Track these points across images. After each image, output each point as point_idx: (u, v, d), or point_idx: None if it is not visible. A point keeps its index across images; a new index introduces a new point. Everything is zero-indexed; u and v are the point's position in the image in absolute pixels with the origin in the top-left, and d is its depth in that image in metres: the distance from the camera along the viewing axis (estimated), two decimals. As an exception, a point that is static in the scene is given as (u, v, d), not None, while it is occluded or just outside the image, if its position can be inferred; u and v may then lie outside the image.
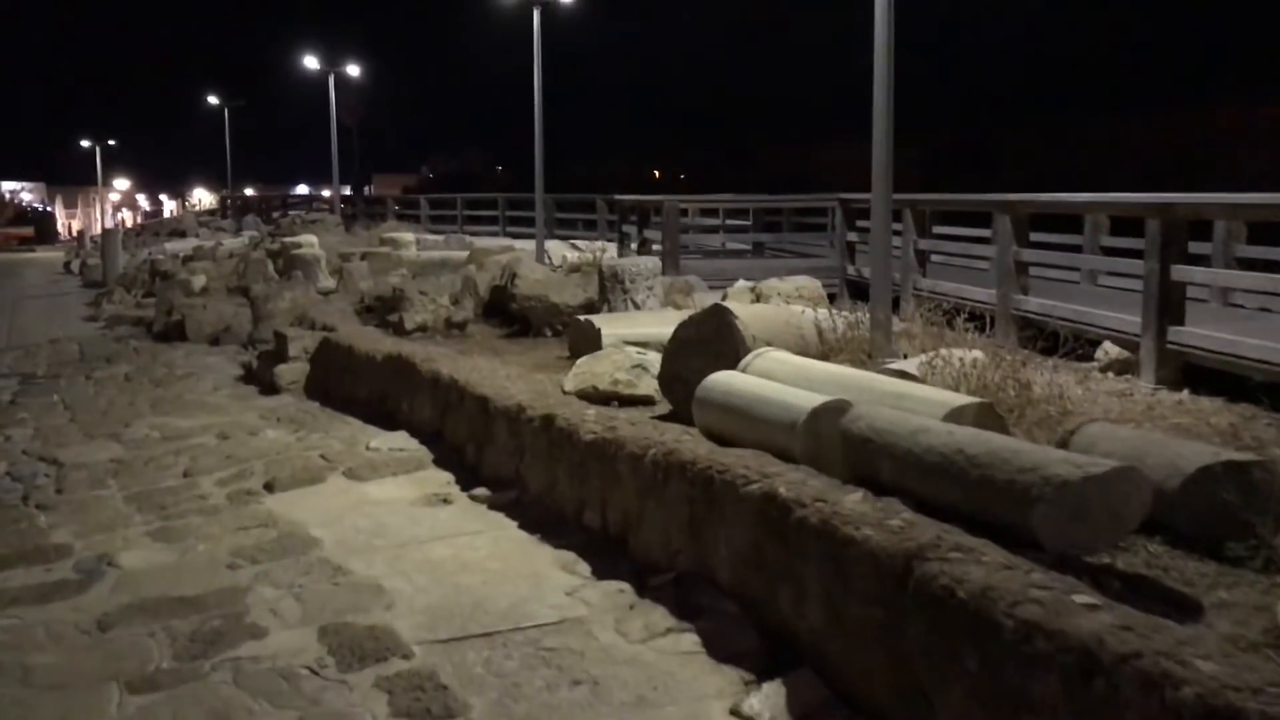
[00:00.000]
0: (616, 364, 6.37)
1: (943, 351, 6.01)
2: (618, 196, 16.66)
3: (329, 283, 15.09)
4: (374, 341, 8.83)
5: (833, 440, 4.32)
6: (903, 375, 5.51)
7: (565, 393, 6.37)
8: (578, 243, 19.44)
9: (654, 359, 6.44)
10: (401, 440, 7.08)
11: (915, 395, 4.47)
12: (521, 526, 5.37)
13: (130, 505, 6.23)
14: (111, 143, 55.08)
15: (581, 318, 8.19)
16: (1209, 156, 33.54)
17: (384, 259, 15.27)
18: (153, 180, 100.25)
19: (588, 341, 7.80)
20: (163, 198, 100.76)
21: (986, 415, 4.22)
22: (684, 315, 8.17)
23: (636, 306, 8.81)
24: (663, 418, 5.91)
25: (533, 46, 18.50)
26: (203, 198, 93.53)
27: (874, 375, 4.91)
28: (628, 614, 4.19)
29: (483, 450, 6.27)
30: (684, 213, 14.32)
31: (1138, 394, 6.25)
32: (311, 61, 30.21)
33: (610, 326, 7.59)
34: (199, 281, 16.92)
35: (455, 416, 6.77)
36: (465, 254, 15.70)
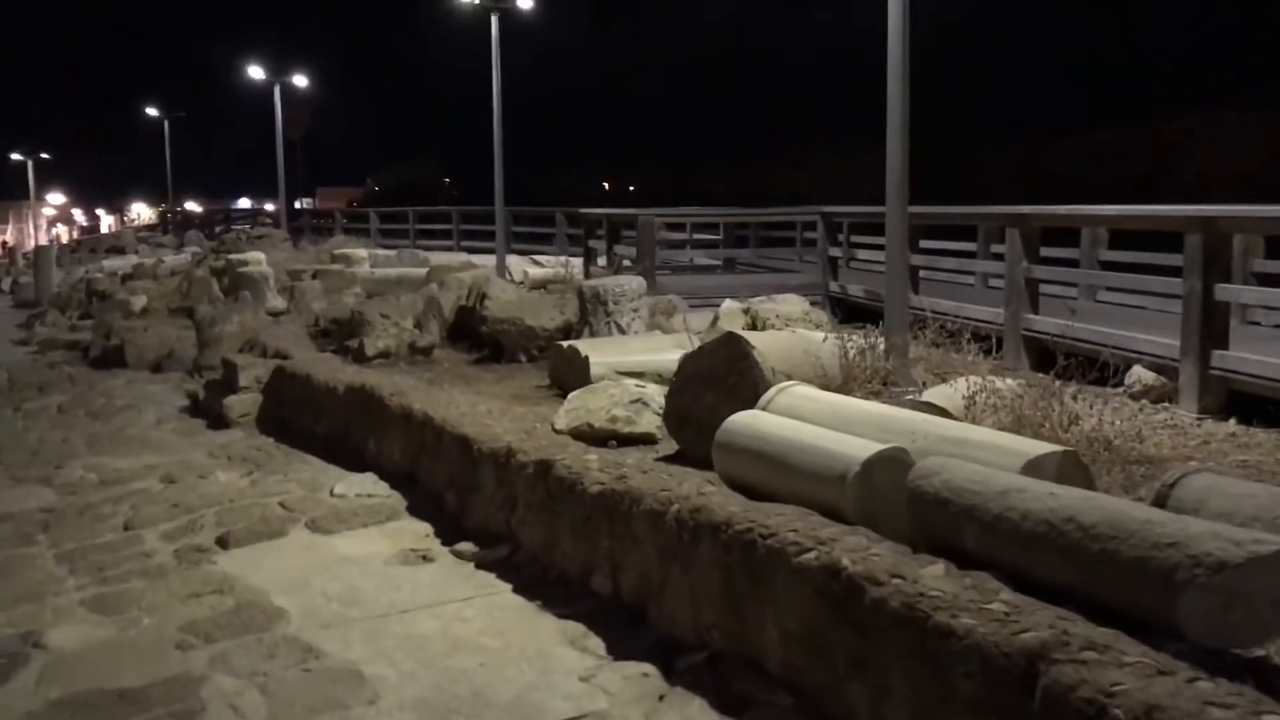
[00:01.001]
0: (614, 398, 5.75)
1: (970, 380, 5.47)
2: (583, 210, 16.03)
3: (278, 303, 14.28)
4: (334, 370, 8.11)
5: (891, 496, 3.73)
6: (934, 409, 4.96)
7: (557, 431, 5.73)
8: (539, 258, 18.78)
9: (654, 392, 5.83)
10: (370, 484, 6.39)
11: (977, 441, 3.89)
12: (517, 590, 4.71)
13: (62, 566, 5.47)
14: (45, 156, 53.24)
15: (564, 344, 7.54)
16: (1177, 167, 33.77)
17: (337, 276, 14.49)
18: (89, 195, 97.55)
19: (573, 371, 7.17)
20: (100, 213, 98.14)
21: (1070, 466, 3.66)
22: (674, 340, 7.57)
23: (621, 330, 8.18)
24: (668, 459, 5.29)
25: (487, 55, 17.89)
26: (142, 213, 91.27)
27: (924, 416, 4.32)
28: (658, 707, 3.56)
29: (466, 498, 5.60)
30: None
31: (1182, 424, 5.75)
32: (256, 71, 29.23)
33: (599, 354, 6.95)
34: (139, 302, 16.00)
35: (432, 458, 6.09)
36: (423, 271, 14.96)
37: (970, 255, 11.60)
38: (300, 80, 30.10)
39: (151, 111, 45.07)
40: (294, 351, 9.36)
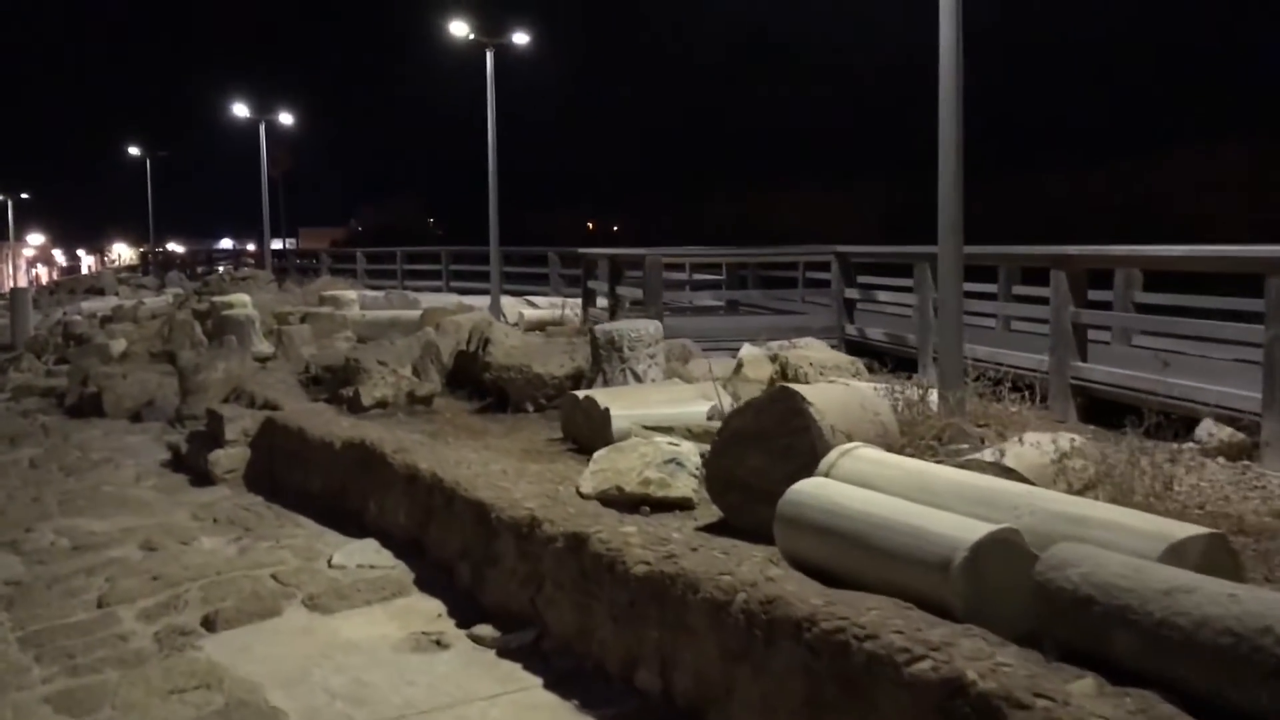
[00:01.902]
0: (645, 458, 5.18)
1: (1037, 437, 4.93)
2: (583, 250, 15.52)
3: (264, 347, 13.67)
4: (329, 424, 7.51)
5: (1003, 586, 3.18)
6: (1010, 473, 4.42)
7: (583, 495, 5.15)
8: (534, 299, 18.27)
9: (689, 451, 5.27)
10: (372, 553, 5.78)
11: (1099, 519, 3.34)
12: (549, 686, 4.11)
13: (27, 652, 4.85)
14: (25, 195, 52.56)
15: (580, 394, 6.98)
16: (1169, 204, 33.60)
17: (326, 320, 13.90)
18: (70, 235, 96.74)
19: (590, 424, 6.60)
20: (80, 253, 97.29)
21: (1217, 551, 3.11)
22: (698, 389, 7.03)
23: (638, 378, 7.62)
24: (711, 529, 4.74)
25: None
26: (123, 253, 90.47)
27: (1022, 487, 3.78)
28: (738, 846, 2.97)
29: (482, 572, 5.01)
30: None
31: (1270, 486, 5.22)
32: (241, 109, 28.72)
33: (619, 406, 6.39)
34: (118, 346, 15.35)
35: (442, 525, 5.50)
36: (416, 313, 14.44)
37: (990, 297, 11.13)
38: (286, 118, 29.66)
39: (134, 151, 44.54)
40: (284, 401, 8.76)
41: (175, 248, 67.24)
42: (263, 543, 6.27)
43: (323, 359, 10.15)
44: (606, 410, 6.34)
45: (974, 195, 7.75)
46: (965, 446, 5.43)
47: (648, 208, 74.97)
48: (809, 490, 3.95)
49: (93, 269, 74.70)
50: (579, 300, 16.60)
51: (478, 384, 9.10)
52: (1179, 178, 38.32)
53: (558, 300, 17.66)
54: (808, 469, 4.43)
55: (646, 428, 5.85)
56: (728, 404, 6.77)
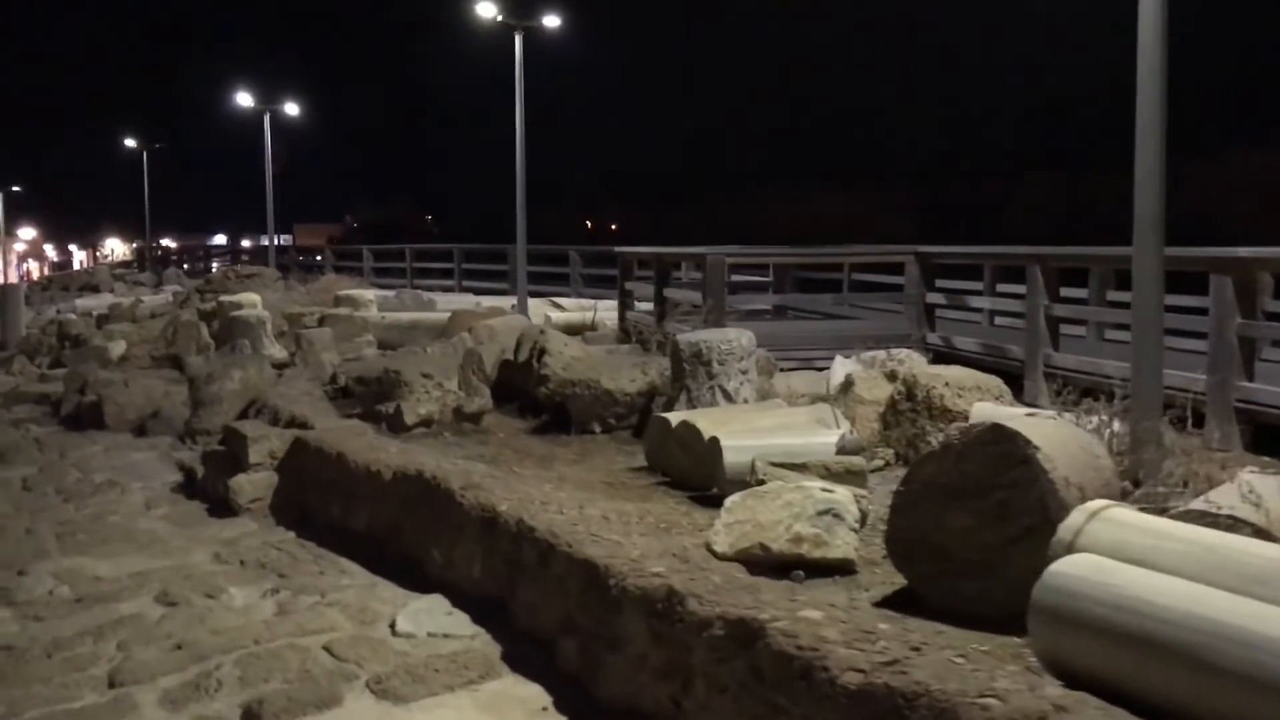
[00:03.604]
0: (792, 507, 4.17)
1: (1258, 481, 3.95)
2: (619, 249, 14.49)
3: (277, 351, 12.62)
4: (373, 448, 6.48)
5: None
6: (1260, 532, 3.44)
7: (717, 555, 4.14)
8: (558, 300, 17.23)
9: (845, 498, 4.25)
10: (443, 616, 4.75)
11: None
12: (722, 829, 3.10)
13: (21, 755, 3.83)
14: (16, 189, 51.30)
15: (669, 416, 5.97)
16: (1218, 207, 32.58)
17: (346, 323, 12.85)
18: (62, 229, 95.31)
19: (690, 455, 5.60)
20: (72, 248, 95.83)
21: None
22: (810, 413, 6.02)
23: (729, 396, 6.61)
24: (891, 604, 3.74)
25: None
26: (115, 248, 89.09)
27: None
28: None
29: (598, 655, 3.98)
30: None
31: None
32: (245, 99, 27.58)
33: (726, 434, 5.38)
34: (117, 348, 14.29)
35: (534, 585, 4.48)
36: (440, 316, 13.40)
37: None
38: (291, 108, 28.48)
39: (130, 143, 43.33)
40: (313, 417, 7.72)
41: (168, 243, 65.96)
42: (305, 597, 5.23)
43: (353, 369, 9.11)
44: (714, 440, 5.32)
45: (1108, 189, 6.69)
46: (1180, 493, 4.45)
47: (647, 207, 73.92)
48: (1083, 573, 2.93)
49: (84, 265, 73.41)
50: (605, 303, 15.60)
51: (530, 399, 8.10)
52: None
53: (587, 302, 16.64)
54: (1036, 534, 3.43)
55: (774, 464, 4.83)
56: (846, 430, 5.77)
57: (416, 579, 5.34)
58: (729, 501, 4.33)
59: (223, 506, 7.07)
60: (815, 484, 4.33)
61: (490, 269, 23.96)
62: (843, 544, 4.13)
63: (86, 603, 5.39)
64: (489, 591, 4.82)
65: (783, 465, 4.86)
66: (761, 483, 4.65)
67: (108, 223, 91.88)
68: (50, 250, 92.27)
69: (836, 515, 4.17)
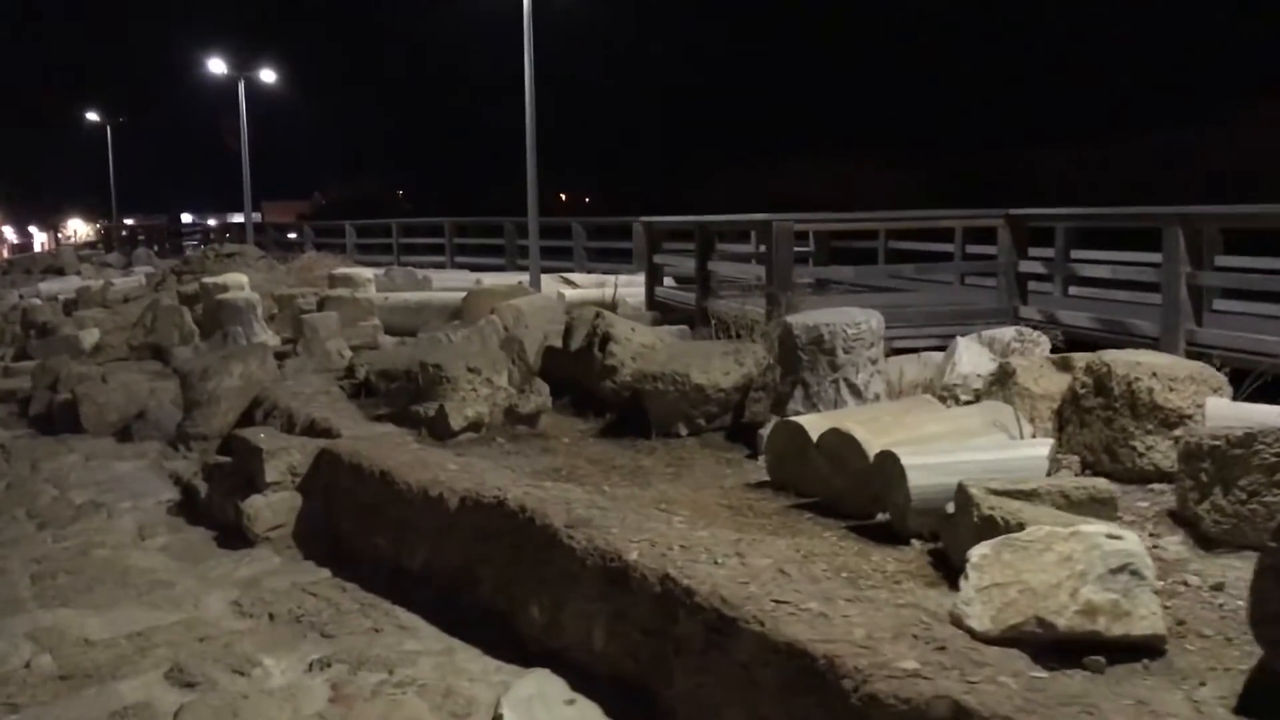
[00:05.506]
0: (1073, 564, 2.99)
1: None
2: (645, 219, 13.22)
3: (269, 338, 11.33)
4: (424, 464, 5.23)
5: None
6: None
7: (974, 633, 2.96)
8: (569, 275, 15.97)
9: (1136, 547, 3.08)
10: (561, 707, 3.54)
11: None
12: None
13: None
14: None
15: (806, 422, 4.76)
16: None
17: (350, 305, 11.53)
18: (20, 210, 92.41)
19: (843, 473, 4.43)
20: (32, 229, 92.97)
21: None
22: (984, 412, 4.84)
23: (856, 392, 5.42)
24: (1246, 708, 2.59)
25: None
26: (78, 229, 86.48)
27: None
28: None
29: (829, 786, 2.79)
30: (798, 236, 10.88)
31: None
32: (217, 65, 25.92)
33: (901, 448, 4.18)
34: (90, 338, 12.93)
35: (702, 670, 3.27)
36: (452, 296, 12.11)
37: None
38: (268, 75, 26.81)
39: (93, 116, 41.37)
40: (337, 422, 6.46)
41: (130, 222, 63.75)
42: (367, 674, 4.00)
43: (375, 360, 7.83)
44: (888, 456, 4.12)
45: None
46: None
47: (619, 180, 72.40)
48: None
49: (46, 246, 71.01)
50: (621, 278, 14.37)
51: (588, 394, 6.89)
52: None
53: (599, 278, 15.41)
54: None
55: (994, 491, 3.64)
56: (1030, 434, 4.61)
57: (506, 642, 4.13)
58: (976, 556, 3.14)
59: (234, 535, 5.83)
60: (1095, 528, 3.15)
61: (483, 244, 22.63)
62: (1148, 614, 2.96)
63: (74, 684, 4.14)
64: (623, 670, 3.61)
65: (1003, 493, 3.67)
66: (992, 520, 3.47)
67: (70, 203, 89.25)
68: (9, 232, 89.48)
69: (1135, 573, 2.99)
